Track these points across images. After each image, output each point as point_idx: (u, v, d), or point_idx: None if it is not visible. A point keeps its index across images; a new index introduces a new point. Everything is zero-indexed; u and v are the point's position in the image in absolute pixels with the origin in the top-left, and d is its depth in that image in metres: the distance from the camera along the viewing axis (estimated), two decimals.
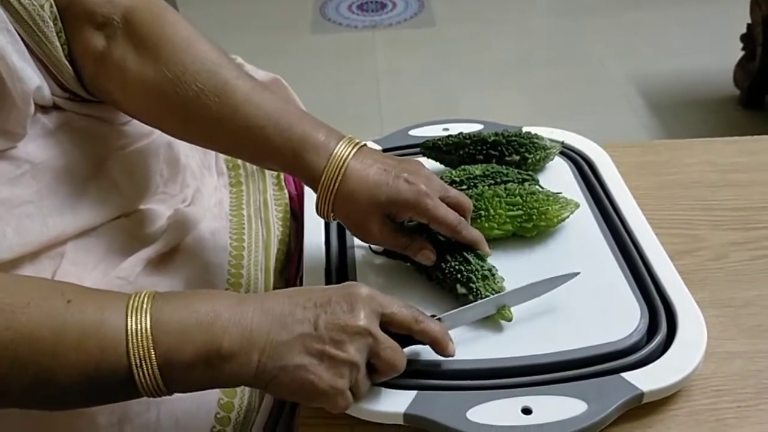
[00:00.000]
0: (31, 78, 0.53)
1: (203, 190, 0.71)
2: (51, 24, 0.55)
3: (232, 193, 0.75)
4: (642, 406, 0.52)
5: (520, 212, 0.63)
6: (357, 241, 0.65)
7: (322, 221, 0.69)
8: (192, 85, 0.56)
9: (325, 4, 2.79)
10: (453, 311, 0.55)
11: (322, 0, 2.82)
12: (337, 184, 0.56)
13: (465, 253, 0.59)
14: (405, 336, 0.51)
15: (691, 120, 2.02)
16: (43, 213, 0.56)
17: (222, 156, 0.77)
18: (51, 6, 0.55)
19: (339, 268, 0.65)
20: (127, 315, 0.44)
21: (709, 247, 0.69)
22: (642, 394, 0.51)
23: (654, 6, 2.67)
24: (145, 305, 0.44)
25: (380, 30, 2.62)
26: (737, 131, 0.96)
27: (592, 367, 0.53)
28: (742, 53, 2.05)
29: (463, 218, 0.59)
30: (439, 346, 0.52)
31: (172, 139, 0.68)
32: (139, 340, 0.43)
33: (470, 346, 0.55)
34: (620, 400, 0.51)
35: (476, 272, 0.58)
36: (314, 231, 0.68)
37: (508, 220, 0.64)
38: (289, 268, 0.69)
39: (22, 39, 0.53)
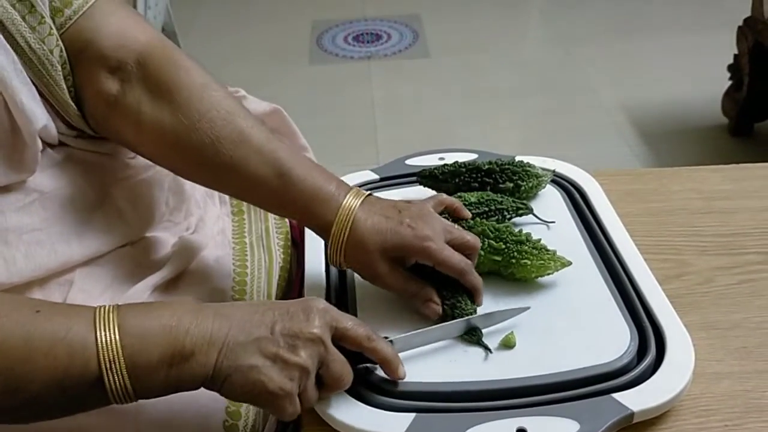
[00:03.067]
0: (39, 117, 0.55)
1: (206, 219, 0.72)
2: (59, 68, 0.57)
3: (234, 222, 0.76)
4: (632, 426, 0.54)
5: (499, 258, 0.64)
6: None
7: (322, 248, 0.70)
8: (207, 133, 0.58)
9: (322, 36, 2.84)
10: (404, 335, 0.57)
11: (318, 32, 2.87)
12: (346, 235, 0.59)
13: (458, 295, 0.61)
14: (357, 355, 0.53)
15: (680, 148, 2.05)
16: (51, 240, 0.58)
17: None
18: (61, 51, 0.57)
19: (339, 294, 0.66)
20: (95, 320, 0.46)
21: (696, 271, 0.70)
22: (632, 414, 0.53)
23: (644, 36, 2.72)
24: (111, 314, 0.47)
25: (375, 61, 2.66)
26: (726, 159, 0.99)
27: (584, 388, 0.54)
28: (729, 83, 2.09)
29: (468, 262, 0.61)
30: (388, 367, 0.54)
31: None
32: (108, 344, 0.46)
33: (467, 368, 0.57)
34: (611, 420, 0.52)
35: (462, 309, 0.60)
36: (315, 258, 0.70)
37: (486, 261, 0.65)
38: (290, 294, 0.71)
39: (32, 81, 0.55)
